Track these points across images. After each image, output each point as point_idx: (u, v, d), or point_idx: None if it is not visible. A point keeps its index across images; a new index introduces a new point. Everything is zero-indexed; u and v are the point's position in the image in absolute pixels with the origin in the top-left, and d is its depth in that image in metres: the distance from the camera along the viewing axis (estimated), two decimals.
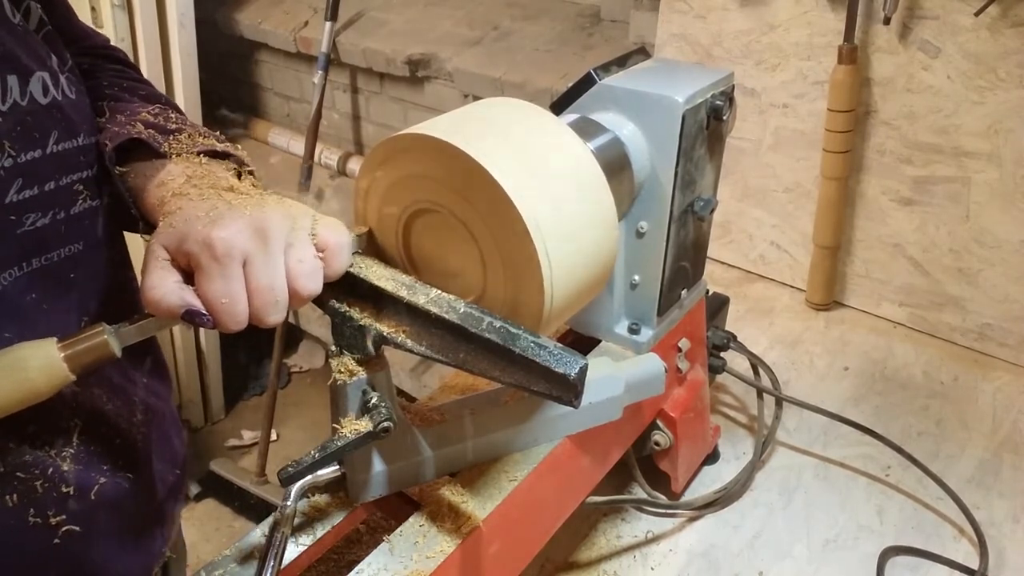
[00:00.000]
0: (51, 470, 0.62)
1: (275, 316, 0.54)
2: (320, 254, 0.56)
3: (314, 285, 0.55)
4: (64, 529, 0.63)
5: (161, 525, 0.77)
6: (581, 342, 0.87)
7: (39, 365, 0.50)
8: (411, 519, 0.65)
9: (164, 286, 0.52)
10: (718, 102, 0.78)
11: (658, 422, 0.91)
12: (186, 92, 2.13)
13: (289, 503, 0.62)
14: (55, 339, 0.52)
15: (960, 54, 1.18)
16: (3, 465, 0.59)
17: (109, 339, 0.52)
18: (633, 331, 0.84)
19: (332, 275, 0.57)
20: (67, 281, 0.62)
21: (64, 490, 0.62)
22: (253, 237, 0.52)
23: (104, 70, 0.74)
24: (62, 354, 0.51)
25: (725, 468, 1.05)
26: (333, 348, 0.62)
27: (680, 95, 0.74)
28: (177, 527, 0.82)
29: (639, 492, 0.96)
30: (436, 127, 0.62)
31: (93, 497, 0.65)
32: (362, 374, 0.61)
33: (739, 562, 0.92)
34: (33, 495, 0.60)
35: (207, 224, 0.52)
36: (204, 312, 0.52)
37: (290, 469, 0.58)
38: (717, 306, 1.09)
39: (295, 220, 0.55)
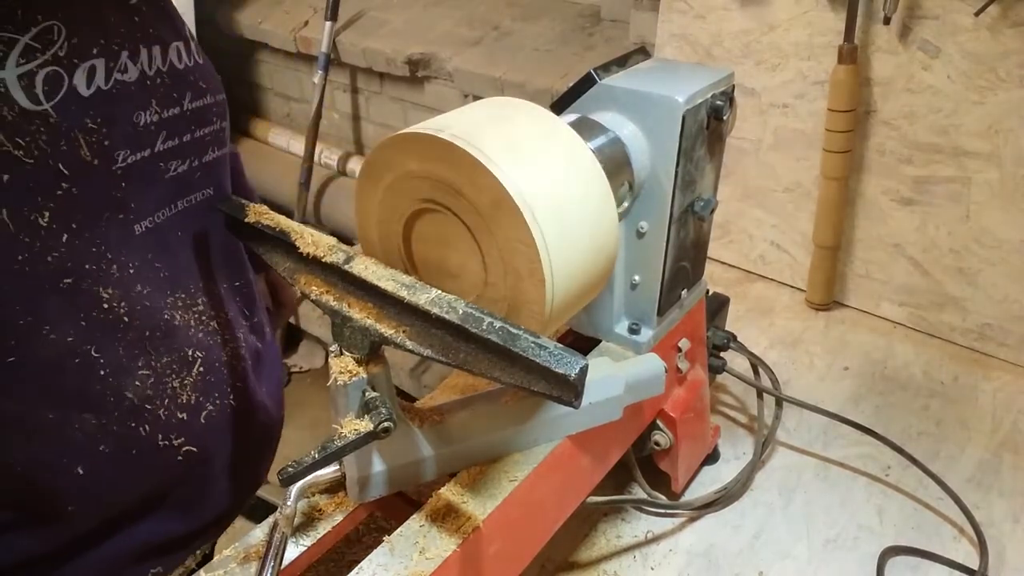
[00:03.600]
0: (168, 400, 0.70)
1: None
2: None
3: None
4: (184, 449, 0.71)
5: (264, 453, 0.89)
6: (581, 342, 0.87)
7: None
8: (411, 519, 0.65)
9: None
10: (718, 102, 0.78)
11: (658, 422, 0.91)
12: None
13: (289, 503, 0.62)
14: None
15: (960, 54, 1.18)
16: (137, 398, 0.66)
17: None
18: (633, 331, 0.84)
19: None
20: (202, 221, 0.73)
21: (180, 416, 0.70)
22: None
23: None
24: None
25: (725, 468, 1.05)
26: (333, 348, 0.62)
27: (680, 95, 0.74)
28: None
29: (639, 492, 0.96)
30: (436, 126, 0.62)
31: (203, 421, 0.73)
32: (362, 374, 0.61)
33: (739, 562, 0.92)
34: (159, 423, 0.69)
35: None
36: None
37: (290, 469, 0.58)
38: (717, 306, 1.09)
39: None
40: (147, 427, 0.68)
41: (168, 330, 0.69)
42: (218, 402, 0.75)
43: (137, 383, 0.67)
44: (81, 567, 0.71)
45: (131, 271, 0.64)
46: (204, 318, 0.74)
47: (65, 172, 0.57)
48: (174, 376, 0.70)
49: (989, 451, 1.09)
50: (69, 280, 0.58)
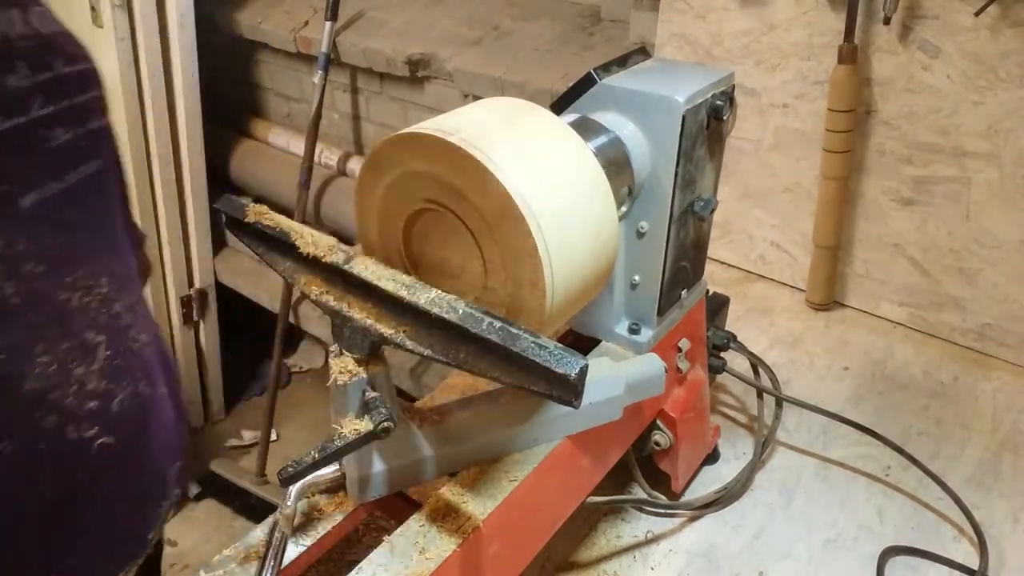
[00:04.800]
0: (75, 387, 0.64)
1: None
2: None
3: None
4: (99, 442, 0.65)
5: (171, 460, 0.77)
6: (581, 342, 0.87)
7: None
8: (411, 519, 0.65)
9: None
10: (718, 102, 0.78)
11: (658, 422, 0.91)
12: (186, 92, 2.13)
13: (289, 503, 0.62)
14: None
15: (960, 54, 1.18)
16: (41, 385, 0.61)
17: None
18: (633, 331, 0.84)
19: None
20: (99, 197, 0.67)
21: (89, 405, 0.64)
22: None
23: None
24: None
25: (725, 468, 1.05)
26: (333, 348, 0.62)
27: (680, 95, 0.74)
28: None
29: (639, 492, 0.96)
30: (436, 126, 0.62)
31: (115, 408, 0.67)
32: (362, 374, 0.61)
33: (739, 562, 0.92)
34: (66, 413, 0.63)
35: None
36: None
37: (290, 469, 0.58)
38: (717, 306, 1.09)
39: None
40: (54, 418, 0.63)
41: (65, 313, 0.64)
42: (129, 389, 0.69)
43: (37, 370, 0.62)
44: None
45: (20, 249, 0.59)
46: (108, 300, 0.68)
47: None
48: (77, 363, 0.65)
49: (989, 451, 1.09)
50: None
